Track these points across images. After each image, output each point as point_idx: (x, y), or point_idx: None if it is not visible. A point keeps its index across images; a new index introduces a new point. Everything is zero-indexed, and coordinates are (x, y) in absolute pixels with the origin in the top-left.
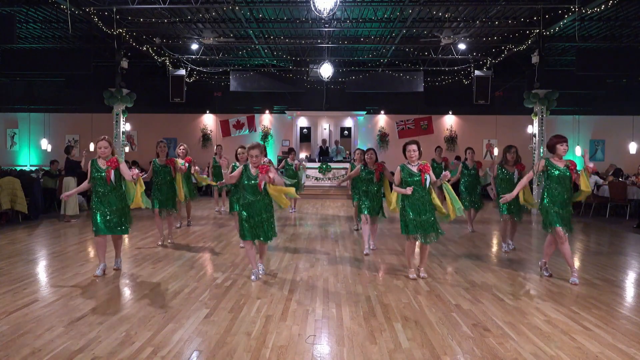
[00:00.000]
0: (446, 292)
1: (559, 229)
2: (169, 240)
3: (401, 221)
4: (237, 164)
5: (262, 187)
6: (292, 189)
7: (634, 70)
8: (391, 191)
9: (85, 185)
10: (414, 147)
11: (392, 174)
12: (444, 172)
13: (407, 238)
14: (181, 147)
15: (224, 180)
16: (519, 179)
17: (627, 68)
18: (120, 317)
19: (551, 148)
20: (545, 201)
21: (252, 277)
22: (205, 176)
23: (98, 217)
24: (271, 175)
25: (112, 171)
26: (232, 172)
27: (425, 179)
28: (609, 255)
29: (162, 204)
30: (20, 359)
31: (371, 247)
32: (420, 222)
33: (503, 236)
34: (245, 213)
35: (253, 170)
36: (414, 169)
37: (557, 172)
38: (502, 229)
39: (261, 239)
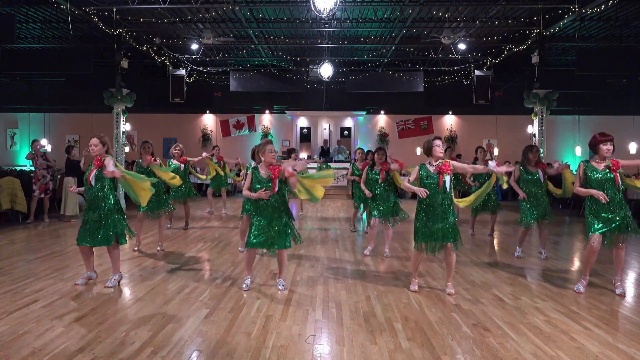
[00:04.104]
0: (446, 292)
1: (595, 238)
2: (158, 247)
3: (414, 226)
4: (253, 163)
5: (277, 188)
6: (329, 175)
7: (634, 70)
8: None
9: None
10: (440, 142)
11: (399, 173)
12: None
13: (415, 246)
14: (176, 148)
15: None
16: (544, 179)
17: (627, 68)
18: (120, 317)
19: (593, 148)
20: (587, 209)
21: (244, 285)
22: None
23: (82, 224)
24: (289, 173)
25: (94, 171)
26: (246, 172)
27: (444, 181)
28: (608, 255)
29: (147, 208)
30: (20, 359)
31: (385, 254)
32: (431, 231)
33: (520, 241)
34: (256, 218)
35: (264, 172)
36: (432, 170)
37: (597, 176)
38: (520, 234)
39: (275, 247)
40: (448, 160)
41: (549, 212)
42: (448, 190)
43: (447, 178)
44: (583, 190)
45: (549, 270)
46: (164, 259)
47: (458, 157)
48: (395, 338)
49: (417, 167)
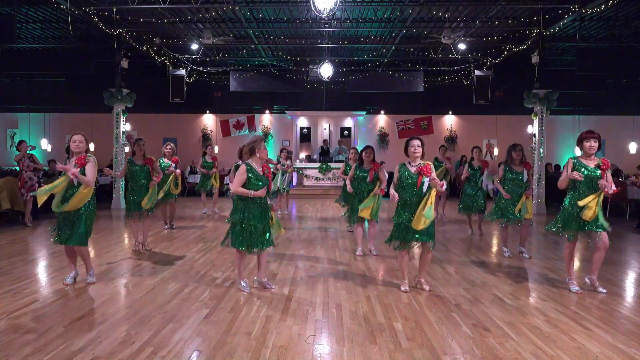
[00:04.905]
0: (446, 292)
1: (567, 234)
2: (145, 247)
3: (394, 224)
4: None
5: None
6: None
7: (634, 70)
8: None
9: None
10: (417, 142)
11: (389, 175)
12: (437, 181)
13: (390, 242)
14: (168, 147)
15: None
16: (527, 179)
17: (627, 68)
18: (120, 317)
19: (579, 144)
20: (566, 202)
21: (245, 289)
22: (176, 189)
23: (58, 223)
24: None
25: (77, 170)
26: (235, 170)
27: (422, 183)
28: (608, 255)
29: (138, 207)
30: (20, 359)
31: (373, 253)
32: (407, 230)
33: (503, 241)
34: (247, 218)
35: (259, 169)
36: (412, 170)
37: (586, 173)
38: (502, 234)
39: (260, 247)
40: (430, 163)
41: (513, 216)
42: (425, 191)
43: (426, 180)
44: (565, 179)
45: (549, 270)
46: (163, 259)
47: (462, 158)
48: (395, 338)
49: (397, 167)
